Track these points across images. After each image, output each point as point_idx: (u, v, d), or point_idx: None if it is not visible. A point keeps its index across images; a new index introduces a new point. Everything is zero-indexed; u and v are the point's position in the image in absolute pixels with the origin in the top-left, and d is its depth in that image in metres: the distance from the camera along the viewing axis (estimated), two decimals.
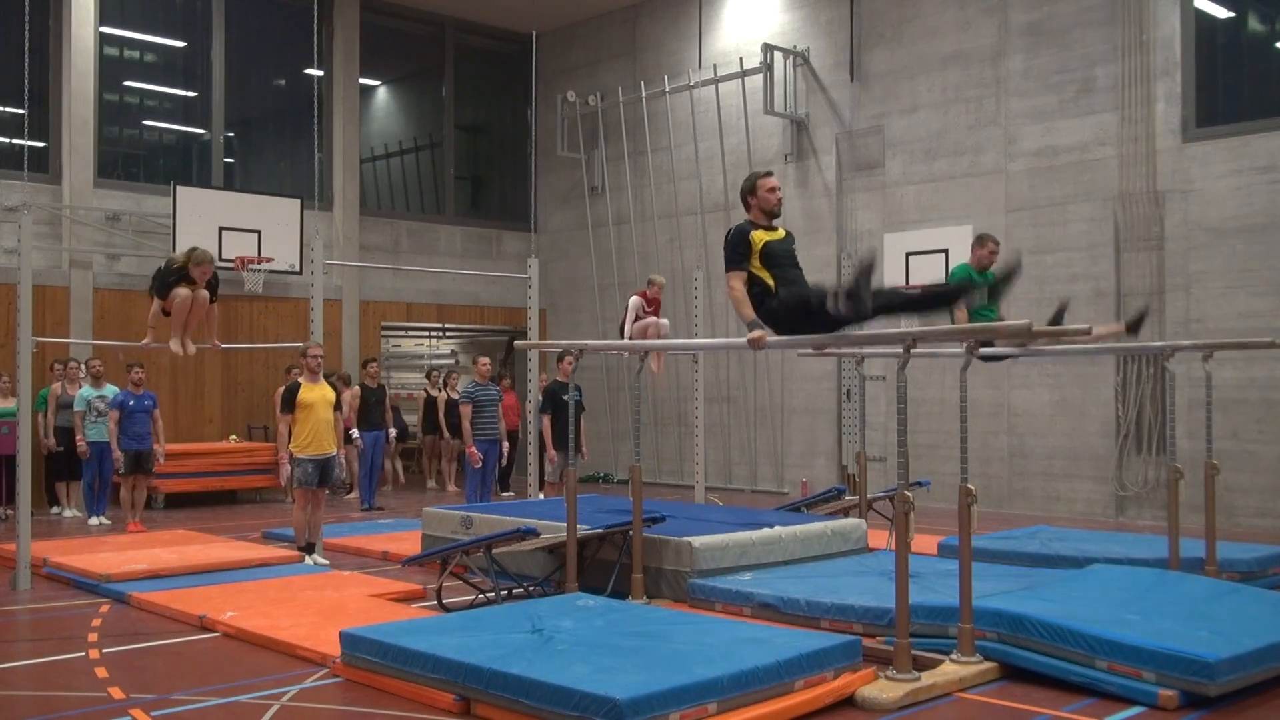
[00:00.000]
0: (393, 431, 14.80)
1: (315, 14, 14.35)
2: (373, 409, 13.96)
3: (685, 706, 4.80)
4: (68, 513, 12.81)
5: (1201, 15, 12.38)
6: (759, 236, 6.24)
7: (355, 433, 13.41)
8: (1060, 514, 12.62)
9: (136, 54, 15.77)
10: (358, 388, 13.96)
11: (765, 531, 8.21)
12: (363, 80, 17.23)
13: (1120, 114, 12.54)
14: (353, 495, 14.69)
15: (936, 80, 14.10)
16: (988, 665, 5.77)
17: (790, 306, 6.05)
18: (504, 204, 19.22)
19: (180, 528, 11.61)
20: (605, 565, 7.83)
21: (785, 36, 15.55)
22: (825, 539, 8.50)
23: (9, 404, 12.11)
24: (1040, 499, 13.03)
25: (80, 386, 12.59)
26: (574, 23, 18.17)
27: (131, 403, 11.82)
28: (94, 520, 12.26)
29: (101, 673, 6.07)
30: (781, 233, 6.41)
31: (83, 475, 12.59)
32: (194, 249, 9.29)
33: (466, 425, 12.07)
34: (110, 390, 12.31)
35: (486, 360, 12.82)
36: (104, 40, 14.95)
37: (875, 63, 14.72)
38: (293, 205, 15.29)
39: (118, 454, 11.79)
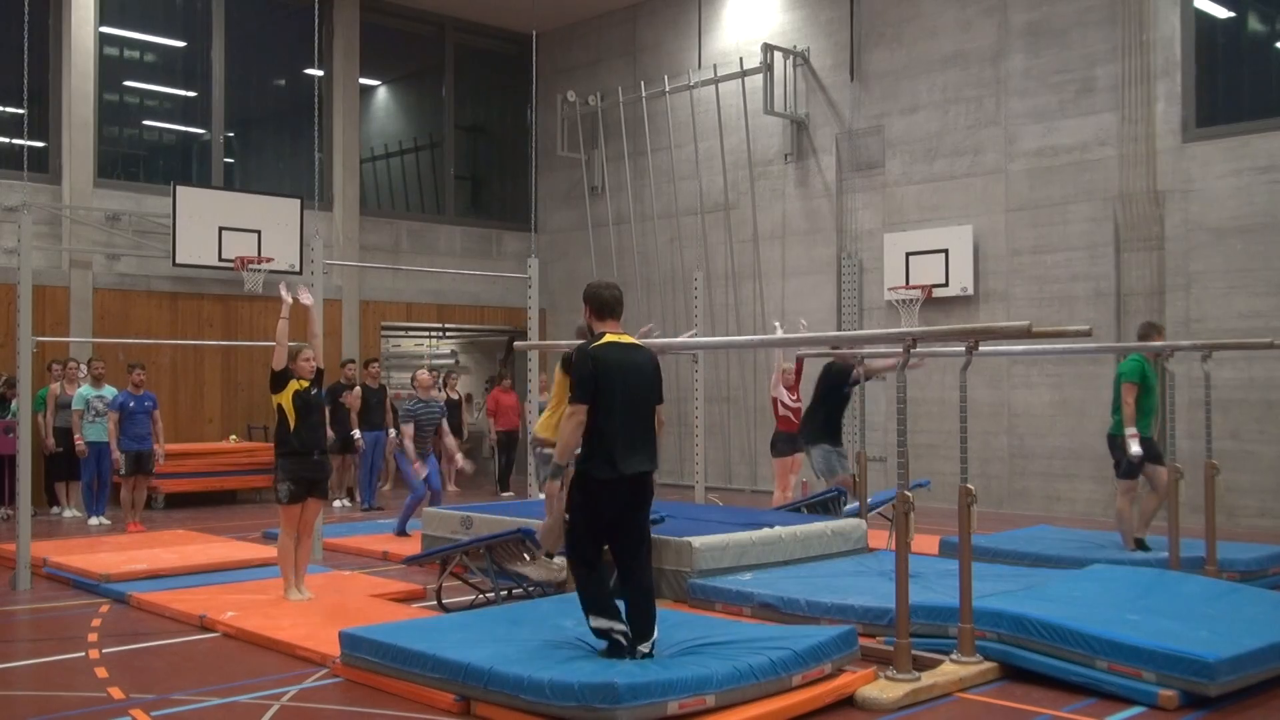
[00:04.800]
0: (393, 432, 14.69)
1: (315, 14, 14.36)
2: (374, 410, 13.90)
3: (683, 696, 4.84)
4: (67, 513, 12.81)
5: (1201, 15, 12.38)
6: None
7: (357, 434, 13.36)
8: (1060, 514, 12.62)
9: (136, 54, 15.77)
10: (359, 388, 13.91)
11: (765, 531, 8.21)
12: (363, 80, 17.22)
13: (1120, 114, 12.55)
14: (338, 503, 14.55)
15: (936, 80, 14.10)
16: (988, 665, 5.77)
17: None
18: (504, 204, 19.22)
19: (180, 528, 11.60)
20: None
21: (785, 36, 15.55)
22: (825, 539, 8.50)
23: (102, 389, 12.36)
24: (1040, 499, 13.03)
25: (79, 386, 12.57)
26: (574, 23, 18.17)
27: (132, 404, 11.76)
28: (94, 520, 12.25)
29: (101, 673, 6.07)
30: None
31: (81, 476, 12.57)
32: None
33: (409, 445, 10.85)
34: (109, 391, 12.29)
35: (425, 373, 11.53)
36: (104, 40, 14.95)
37: (875, 63, 14.72)
38: (293, 205, 15.29)
39: (117, 455, 11.74)
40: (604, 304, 5.72)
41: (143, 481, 12.00)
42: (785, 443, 10.83)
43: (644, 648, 5.40)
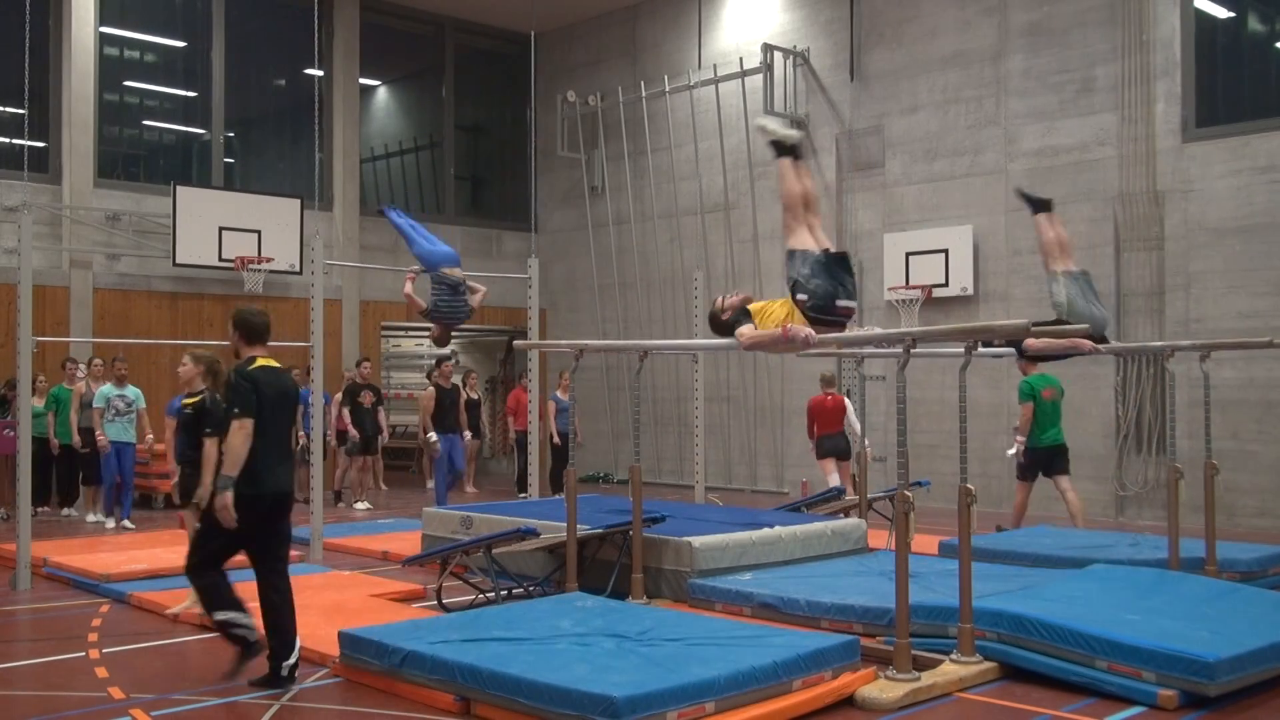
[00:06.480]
0: (468, 435, 13.84)
1: (315, 14, 14.36)
2: (448, 411, 12.99)
3: (682, 705, 4.80)
4: (90, 517, 12.54)
5: (1201, 15, 12.38)
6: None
7: (433, 436, 12.92)
8: (1060, 514, 12.58)
9: (136, 54, 15.77)
10: (433, 389, 13.07)
11: (765, 531, 8.21)
12: (363, 80, 17.22)
13: (1120, 114, 12.55)
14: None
15: (936, 80, 14.10)
16: (988, 665, 5.77)
17: None
18: (504, 204, 19.22)
19: (181, 528, 11.57)
20: (605, 565, 7.84)
21: (785, 36, 15.55)
22: (825, 539, 8.50)
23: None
24: (1040, 499, 12.96)
25: (100, 384, 12.38)
26: (574, 23, 18.17)
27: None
28: (110, 523, 12.04)
29: (101, 673, 6.08)
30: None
31: (103, 479, 12.27)
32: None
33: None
34: (132, 391, 12.19)
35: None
36: (104, 40, 14.95)
37: (875, 63, 14.72)
38: (293, 205, 15.29)
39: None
40: (254, 330, 6.08)
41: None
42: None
43: (286, 667, 5.69)
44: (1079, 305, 7.35)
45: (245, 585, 8.11)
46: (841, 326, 6.20)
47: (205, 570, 5.85)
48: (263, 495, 5.75)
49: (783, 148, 6.47)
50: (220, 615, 5.74)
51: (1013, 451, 10.55)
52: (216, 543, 5.80)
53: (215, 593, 5.80)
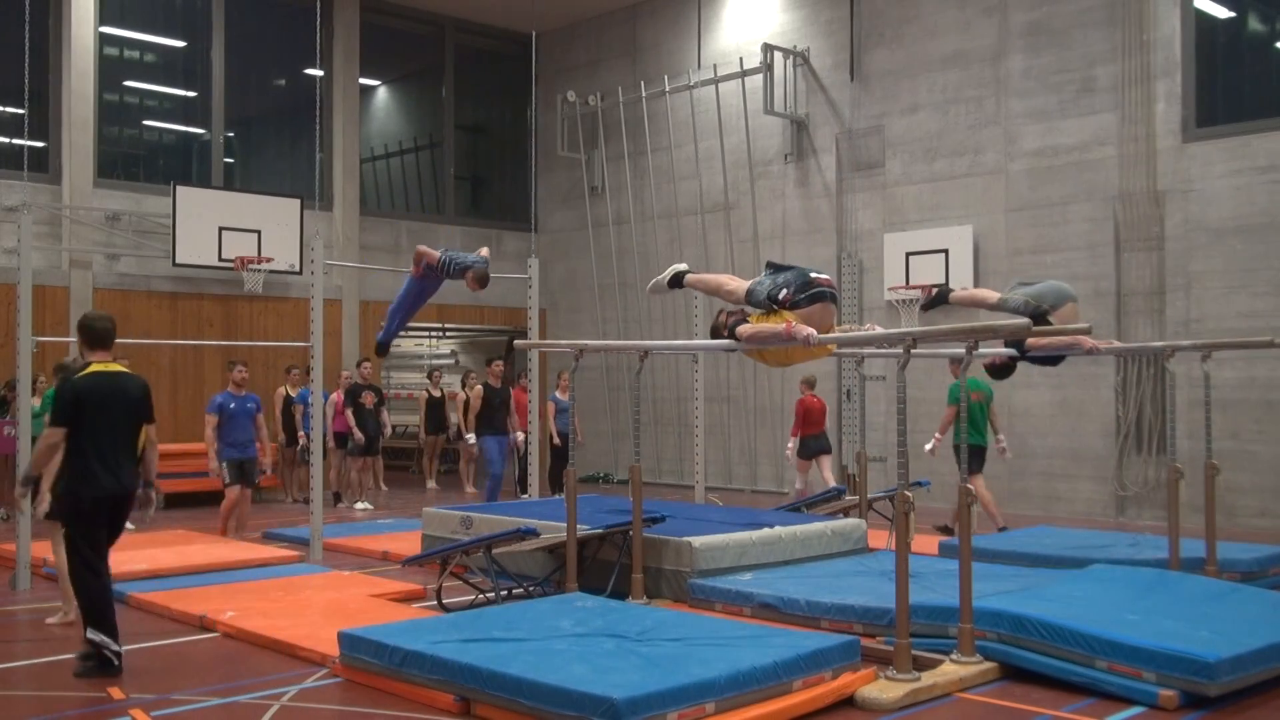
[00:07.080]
0: (520, 435, 13.21)
1: (315, 14, 14.37)
2: (497, 410, 12.74)
3: (683, 706, 4.80)
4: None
5: (1201, 15, 12.38)
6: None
7: (471, 437, 12.64)
8: (1060, 514, 12.62)
9: (136, 54, 15.77)
10: (480, 387, 12.88)
11: (765, 531, 8.21)
12: (363, 80, 17.22)
13: (1120, 114, 12.55)
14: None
15: (936, 80, 14.10)
16: (988, 665, 5.77)
17: None
18: (504, 204, 19.22)
19: (180, 528, 11.59)
20: (605, 565, 7.84)
21: (785, 36, 15.55)
22: (825, 539, 8.50)
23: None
24: (1040, 499, 13.02)
25: None
26: (574, 23, 18.17)
27: (233, 405, 10.38)
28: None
29: None
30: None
31: None
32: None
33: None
34: None
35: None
36: (104, 40, 14.95)
37: (875, 63, 14.72)
38: (293, 205, 15.28)
39: (214, 465, 10.47)
40: (96, 335, 6.22)
41: (247, 495, 10.73)
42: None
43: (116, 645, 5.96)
44: (1038, 288, 7.41)
45: (241, 585, 8.18)
46: (835, 300, 6.37)
47: (89, 575, 5.99)
48: (103, 496, 5.99)
49: (678, 279, 7.05)
50: (93, 635, 5.90)
51: (929, 447, 10.62)
52: (84, 541, 5.99)
53: (98, 610, 5.95)
